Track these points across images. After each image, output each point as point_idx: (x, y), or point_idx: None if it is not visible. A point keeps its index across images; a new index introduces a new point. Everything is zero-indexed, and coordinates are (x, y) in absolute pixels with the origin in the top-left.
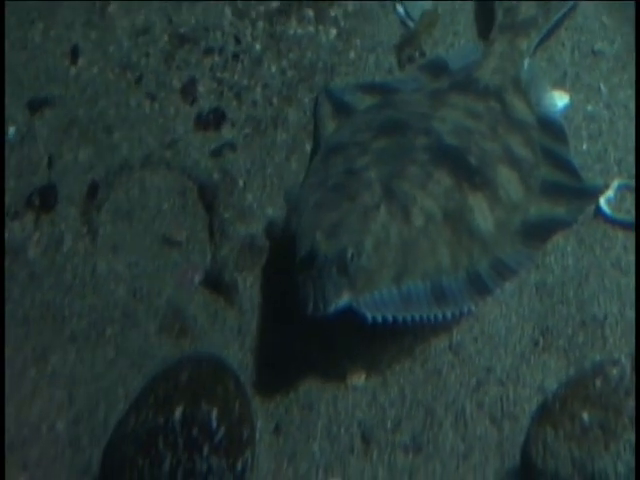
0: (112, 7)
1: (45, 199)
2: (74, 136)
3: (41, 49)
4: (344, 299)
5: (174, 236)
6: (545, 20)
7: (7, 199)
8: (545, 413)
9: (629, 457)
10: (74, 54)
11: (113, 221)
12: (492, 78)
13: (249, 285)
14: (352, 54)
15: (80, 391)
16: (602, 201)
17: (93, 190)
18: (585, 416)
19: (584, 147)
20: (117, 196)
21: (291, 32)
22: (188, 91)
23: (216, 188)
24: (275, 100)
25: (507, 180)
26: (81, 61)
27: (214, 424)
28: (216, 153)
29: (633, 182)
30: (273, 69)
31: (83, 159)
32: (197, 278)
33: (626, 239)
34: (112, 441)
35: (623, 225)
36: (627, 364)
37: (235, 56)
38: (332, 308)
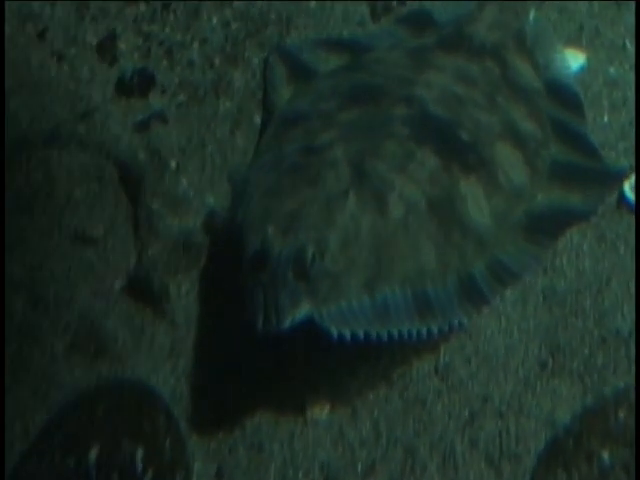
0: None
1: None
2: None
3: None
4: (303, 310)
5: (89, 231)
6: None
7: None
8: (555, 452)
9: None
10: None
11: (9, 213)
12: (489, 34)
13: (184, 293)
14: (313, 2)
15: None
16: (627, 187)
17: None
18: (605, 455)
19: (605, 119)
20: (14, 182)
21: None
22: (106, 48)
23: (142, 171)
24: (216, 60)
25: (508, 161)
26: None
27: (139, 467)
28: (142, 126)
29: None
30: (214, 21)
31: None
32: (118, 284)
33: None
34: None
35: None
36: None
37: (166, 5)
38: (288, 322)
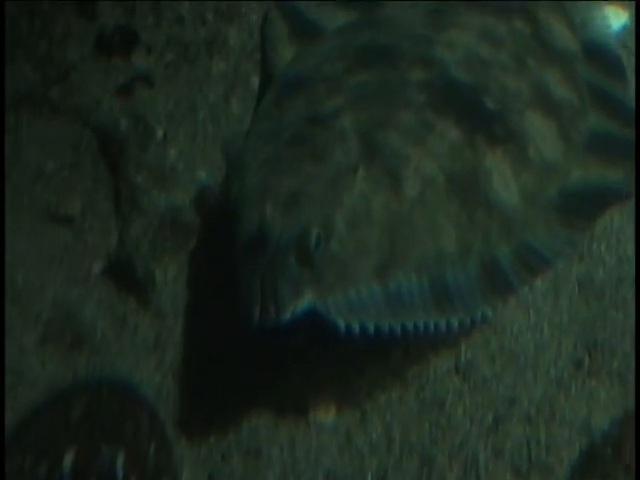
0: None
1: None
2: None
3: None
4: (306, 300)
5: (63, 209)
6: None
7: None
8: (592, 462)
9: None
10: None
11: None
12: None
13: (171, 278)
14: None
15: None
16: None
17: None
18: None
19: None
20: None
21: None
22: (85, 2)
23: (124, 140)
24: (209, 16)
25: (539, 132)
26: None
27: (120, 475)
28: (124, 90)
29: None
30: None
31: None
32: (97, 268)
33: None
34: None
35: None
36: None
37: None
38: (289, 313)
